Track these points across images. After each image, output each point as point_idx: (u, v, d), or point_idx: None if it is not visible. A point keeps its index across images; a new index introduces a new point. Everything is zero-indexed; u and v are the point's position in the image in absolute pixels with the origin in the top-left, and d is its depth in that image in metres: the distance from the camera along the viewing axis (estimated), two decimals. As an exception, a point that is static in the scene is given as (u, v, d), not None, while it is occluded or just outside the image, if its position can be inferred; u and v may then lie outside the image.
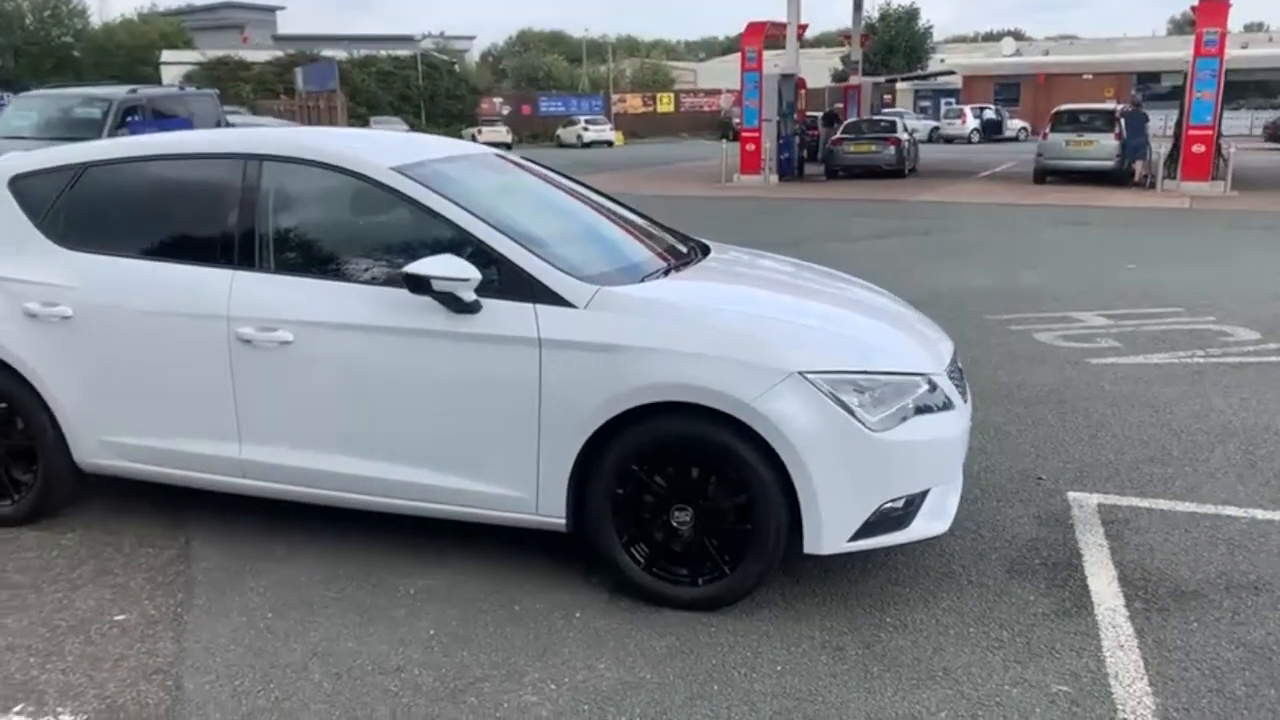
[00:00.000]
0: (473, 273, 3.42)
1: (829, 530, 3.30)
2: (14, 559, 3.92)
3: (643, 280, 3.74)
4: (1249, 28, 60.80)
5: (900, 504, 3.39)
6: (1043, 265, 11.05)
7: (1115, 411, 5.68)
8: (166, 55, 51.71)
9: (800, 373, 3.26)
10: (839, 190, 21.40)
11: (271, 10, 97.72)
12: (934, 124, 45.37)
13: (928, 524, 3.48)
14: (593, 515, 3.50)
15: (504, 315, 3.47)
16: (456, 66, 50.89)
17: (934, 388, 3.50)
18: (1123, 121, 21.37)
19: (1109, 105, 23.94)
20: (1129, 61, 47.77)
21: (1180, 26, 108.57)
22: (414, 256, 3.69)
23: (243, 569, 3.81)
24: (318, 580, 3.71)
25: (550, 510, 3.54)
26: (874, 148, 23.91)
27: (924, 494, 3.44)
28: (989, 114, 44.26)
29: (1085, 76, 47.08)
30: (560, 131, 47.33)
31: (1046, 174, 21.80)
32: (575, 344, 3.39)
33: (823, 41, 58.18)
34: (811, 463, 3.23)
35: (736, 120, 47.96)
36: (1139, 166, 21.02)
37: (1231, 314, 8.21)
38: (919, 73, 47.36)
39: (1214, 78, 18.99)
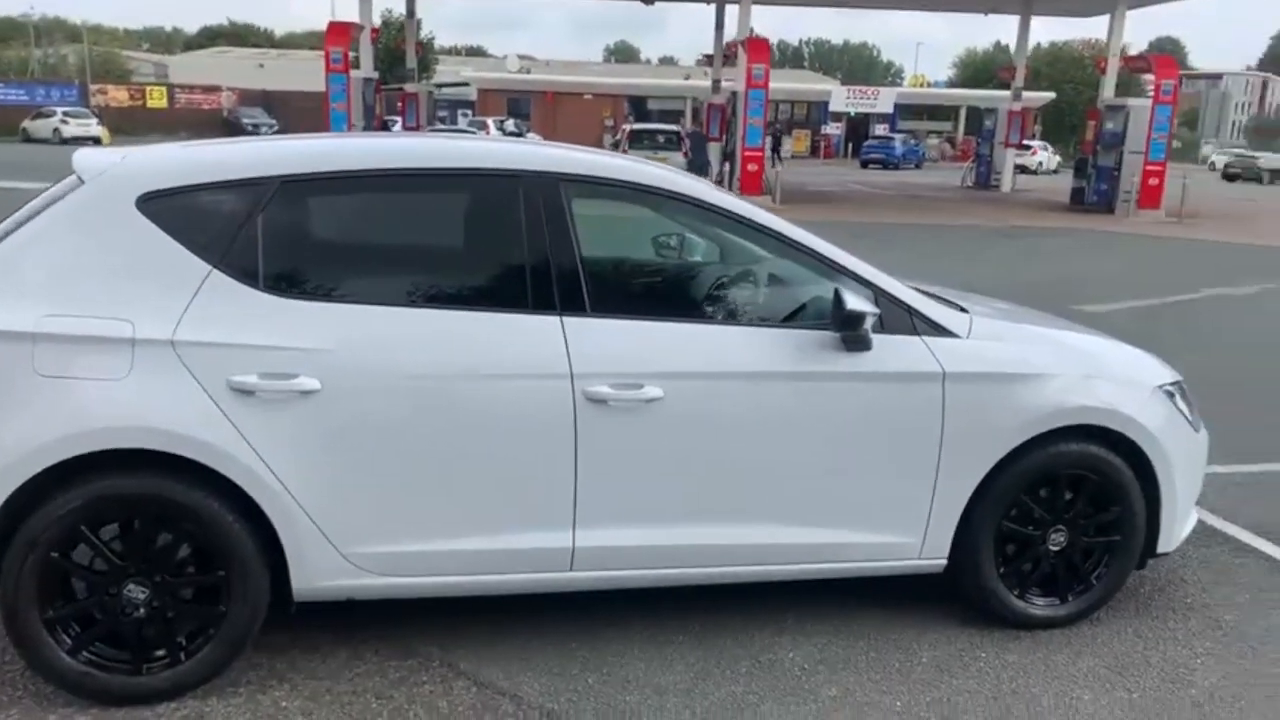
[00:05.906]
0: (875, 308, 3.16)
1: (1177, 528, 3.61)
2: (267, 742, 2.73)
3: (968, 309, 3.68)
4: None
5: None
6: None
7: None
8: None
9: (1158, 386, 3.53)
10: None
11: None
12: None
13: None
14: (971, 551, 3.42)
15: (901, 351, 3.25)
16: None
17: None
18: (688, 141, 23.96)
19: (676, 127, 26.59)
20: (625, 85, 53.16)
21: (610, 55, 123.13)
22: (770, 290, 3.33)
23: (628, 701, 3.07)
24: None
25: (933, 553, 3.39)
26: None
27: None
28: (510, 126, 46.18)
29: (586, 96, 51.31)
30: (28, 124, 40.06)
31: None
32: (977, 375, 3.30)
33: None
34: (1175, 466, 3.51)
35: (247, 121, 45.18)
36: (703, 182, 23.70)
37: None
38: (444, 83, 47.93)
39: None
